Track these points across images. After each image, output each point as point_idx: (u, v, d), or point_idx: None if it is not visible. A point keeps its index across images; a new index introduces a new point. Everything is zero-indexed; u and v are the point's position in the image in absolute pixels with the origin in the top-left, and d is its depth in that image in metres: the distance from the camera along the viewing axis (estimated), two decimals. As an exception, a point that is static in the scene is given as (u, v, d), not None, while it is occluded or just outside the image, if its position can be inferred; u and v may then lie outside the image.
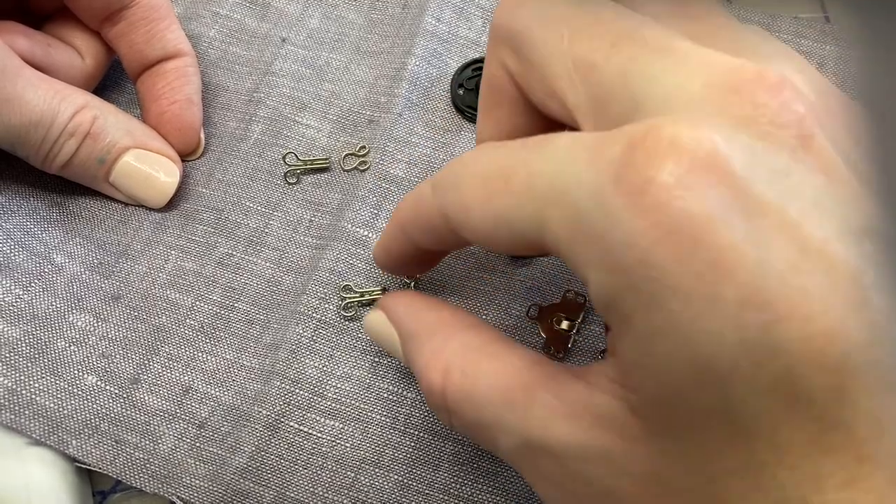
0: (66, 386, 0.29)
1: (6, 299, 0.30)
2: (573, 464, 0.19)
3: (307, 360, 0.30)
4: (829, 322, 0.16)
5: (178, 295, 0.32)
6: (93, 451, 0.28)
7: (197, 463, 0.29)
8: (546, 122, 0.24)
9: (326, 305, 0.31)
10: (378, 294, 0.31)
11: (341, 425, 0.29)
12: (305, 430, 0.29)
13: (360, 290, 0.31)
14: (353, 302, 0.31)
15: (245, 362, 0.31)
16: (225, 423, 0.29)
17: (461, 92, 0.36)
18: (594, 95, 0.20)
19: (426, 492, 0.28)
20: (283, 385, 0.30)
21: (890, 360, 0.16)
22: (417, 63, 0.36)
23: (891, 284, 0.17)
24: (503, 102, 0.25)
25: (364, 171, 0.35)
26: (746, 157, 0.17)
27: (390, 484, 0.28)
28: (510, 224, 0.20)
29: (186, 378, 0.30)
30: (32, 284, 0.31)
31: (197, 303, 0.32)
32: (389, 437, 0.29)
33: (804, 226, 0.17)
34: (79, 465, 0.28)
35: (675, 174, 0.16)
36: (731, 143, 0.17)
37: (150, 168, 0.33)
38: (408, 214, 0.25)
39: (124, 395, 0.30)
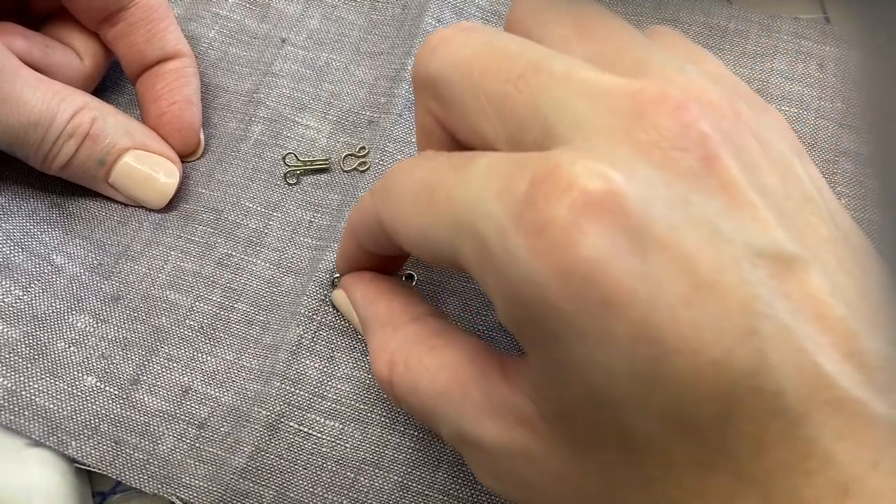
0: (66, 387, 0.29)
1: (6, 300, 0.30)
2: (500, 459, 0.21)
3: (307, 361, 0.30)
4: (717, 353, 0.17)
5: (177, 295, 0.32)
6: (92, 451, 0.28)
7: (196, 463, 0.28)
8: None
9: (326, 307, 0.31)
10: None
11: (341, 426, 0.29)
12: (305, 430, 0.29)
13: None
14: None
15: (245, 363, 0.31)
16: (225, 423, 0.29)
17: (461, 92, 0.36)
18: (509, 128, 0.21)
19: (426, 493, 0.28)
20: (282, 386, 0.30)
21: (770, 386, 0.17)
22: (417, 63, 0.36)
23: (784, 306, 0.18)
24: (436, 145, 0.25)
25: (364, 171, 0.35)
26: (644, 191, 0.17)
27: (390, 485, 0.28)
28: (431, 242, 0.21)
29: (186, 379, 0.30)
30: (32, 285, 0.31)
31: (196, 303, 0.32)
32: (389, 437, 0.29)
33: (698, 257, 0.17)
34: (78, 465, 0.28)
35: (571, 216, 0.17)
36: (630, 177, 0.17)
37: (149, 169, 0.33)
38: (355, 220, 0.27)
39: (124, 396, 0.30)
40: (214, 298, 0.32)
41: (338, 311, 0.31)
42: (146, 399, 0.30)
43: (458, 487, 0.28)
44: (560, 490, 0.20)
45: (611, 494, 0.19)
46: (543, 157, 0.18)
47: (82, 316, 0.31)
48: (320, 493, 0.28)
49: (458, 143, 0.24)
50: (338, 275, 0.31)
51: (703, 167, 0.18)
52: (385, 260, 0.28)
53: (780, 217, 0.19)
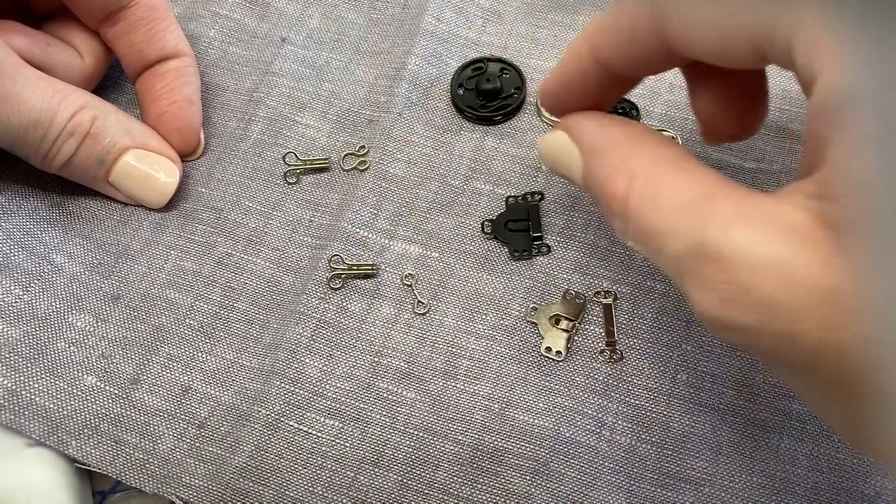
0: (66, 386, 0.29)
1: (6, 299, 0.30)
2: (740, 270, 0.19)
3: (307, 360, 0.30)
4: None
5: (177, 295, 0.32)
6: (92, 451, 0.28)
7: (196, 462, 0.29)
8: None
9: (326, 305, 0.31)
10: (369, 268, 0.31)
11: (341, 425, 0.29)
12: (305, 429, 0.29)
13: (350, 263, 0.32)
14: (341, 273, 0.31)
15: (245, 362, 0.31)
16: (224, 422, 0.29)
17: (461, 92, 0.36)
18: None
19: (425, 491, 0.28)
20: (282, 384, 0.30)
21: None
22: (417, 63, 0.36)
23: None
24: (633, 47, 0.24)
25: (364, 170, 0.34)
26: None
27: (390, 483, 0.28)
28: (738, 24, 0.20)
29: (186, 378, 0.30)
30: (32, 285, 0.31)
31: (196, 303, 0.32)
32: (389, 436, 0.29)
33: None
34: (78, 465, 0.28)
35: None
36: None
37: (149, 168, 0.33)
38: (600, 29, 0.24)
39: (124, 396, 0.30)
40: (214, 297, 0.32)
41: (349, 313, 0.31)
42: (146, 398, 0.30)
43: (458, 486, 0.28)
44: (810, 305, 0.18)
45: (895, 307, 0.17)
46: None
47: (82, 315, 0.31)
48: (320, 492, 0.28)
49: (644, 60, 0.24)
50: (335, 272, 0.31)
51: None
52: (612, 85, 0.26)
53: None
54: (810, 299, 0.18)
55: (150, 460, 0.28)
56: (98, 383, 0.30)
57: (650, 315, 0.31)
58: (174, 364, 0.31)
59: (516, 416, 0.29)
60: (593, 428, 0.29)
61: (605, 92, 0.26)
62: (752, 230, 0.19)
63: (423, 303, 0.32)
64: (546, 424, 0.29)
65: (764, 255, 0.19)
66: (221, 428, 0.29)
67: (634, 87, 0.27)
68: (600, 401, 0.30)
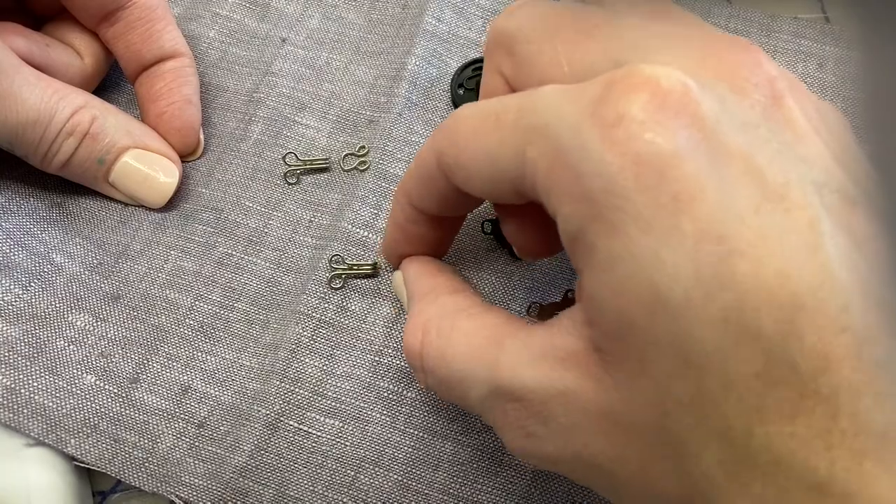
0: (65, 385, 0.29)
1: (5, 299, 0.30)
2: (535, 405, 0.20)
3: (307, 360, 0.30)
4: (782, 262, 0.17)
5: (177, 295, 0.32)
6: (92, 450, 0.28)
7: (196, 462, 0.29)
8: None
9: (326, 305, 0.31)
10: (367, 268, 0.32)
11: (341, 424, 0.29)
12: (305, 428, 0.29)
13: (350, 263, 0.32)
14: (341, 273, 0.31)
15: (245, 362, 0.31)
16: (224, 422, 0.29)
17: (461, 92, 0.36)
18: (580, 76, 0.21)
19: (425, 491, 0.28)
20: (282, 384, 0.30)
21: (836, 302, 0.17)
22: (417, 63, 0.36)
23: (845, 237, 0.17)
24: None
25: (364, 171, 0.35)
26: (718, 105, 0.18)
27: (390, 483, 0.28)
28: (495, 161, 0.21)
29: (186, 377, 0.30)
30: (32, 284, 0.31)
31: (196, 303, 0.32)
32: (389, 436, 0.29)
33: (767, 172, 0.18)
34: (78, 464, 0.28)
35: (648, 111, 0.17)
36: (705, 90, 0.18)
37: (149, 168, 0.33)
38: (409, 176, 0.26)
39: (123, 395, 0.30)
40: (214, 297, 0.32)
41: (349, 313, 0.31)
42: (146, 398, 0.30)
43: (458, 486, 0.28)
44: (597, 428, 0.19)
45: (661, 420, 0.18)
46: (616, 70, 0.19)
47: (82, 314, 0.31)
48: (320, 492, 0.28)
49: None
50: (335, 272, 0.31)
51: (773, 104, 0.19)
52: (436, 227, 0.28)
53: (838, 162, 0.19)
54: (597, 422, 0.19)
55: (150, 459, 0.28)
56: (98, 382, 0.30)
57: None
58: (174, 363, 0.31)
59: (516, 416, 0.29)
60: (593, 428, 0.29)
61: (436, 234, 0.28)
62: (535, 367, 0.20)
63: None
64: (546, 424, 0.29)
65: (549, 387, 0.20)
66: (221, 427, 0.29)
67: (461, 224, 0.29)
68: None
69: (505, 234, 0.26)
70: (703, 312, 0.17)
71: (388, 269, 0.32)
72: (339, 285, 0.32)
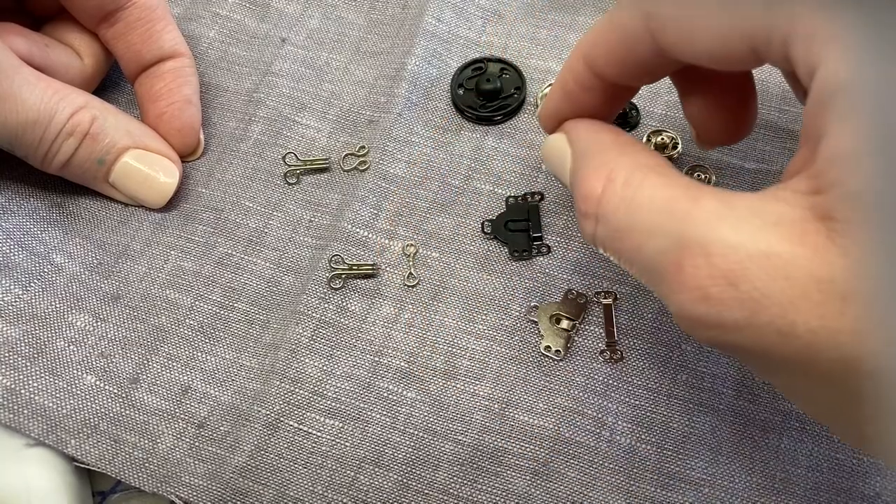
0: (66, 385, 0.29)
1: (6, 299, 0.30)
2: (729, 263, 0.19)
3: (307, 360, 0.30)
4: None
5: (177, 295, 0.32)
6: (91, 450, 0.28)
7: (196, 462, 0.28)
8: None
9: (326, 305, 0.31)
10: (369, 268, 0.31)
11: (341, 424, 0.29)
12: (305, 429, 0.29)
13: (350, 263, 0.32)
14: (341, 273, 0.31)
15: (244, 362, 0.31)
16: (224, 422, 0.29)
17: (461, 92, 0.36)
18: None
19: (425, 491, 0.28)
20: (282, 384, 0.30)
21: None
22: (417, 63, 0.36)
23: None
24: (627, 58, 0.24)
25: (364, 171, 0.34)
26: None
27: (390, 483, 0.28)
28: (746, 35, 0.20)
29: (186, 378, 0.30)
30: (32, 284, 0.31)
31: (196, 303, 0.32)
32: (389, 436, 0.29)
33: None
34: (78, 464, 0.28)
35: None
36: None
37: (149, 168, 0.33)
38: (594, 42, 0.25)
39: (123, 395, 0.30)
40: (214, 298, 0.32)
41: (349, 313, 0.31)
42: (146, 398, 0.30)
43: (458, 486, 0.28)
44: (816, 297, 0.18)
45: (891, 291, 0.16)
46: None
47: (82, 315, 0.31)
48: (320, 492, 0.28)
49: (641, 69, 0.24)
50: (335, 272, 0.31)
51: None
52: (608, 96, 0.26)
53: None
54: (803, 290, 0.18)
55: (150, 459, 0.28)
56: (98, 382, 0.30)
57: (650, 315, 0.31)
58: (174, 364, 0.31)
59: (516, 416, 0.29)
60: (593, 428, 0.29)
61: (604, 105, 0.26)
62: (739, 224, 0.19)
63: (414, 274, 0.32)
64: (546, 425, 0.29)
65: (752, 247, 0.18)
66: (221, 427, 0.29)
67: (632, 97, 0.27)
68: (600, 401, 0.30)
69: (687, 115, 0.25)
70: None
71: (387, 269, 0.32)
72: (339, 285, 0.32)
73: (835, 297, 0.17)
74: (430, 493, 0.28)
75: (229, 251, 0.33)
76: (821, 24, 0.18)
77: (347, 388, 0.30)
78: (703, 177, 0.33)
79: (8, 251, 0.31)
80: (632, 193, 0.22)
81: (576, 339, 0.31)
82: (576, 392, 0.30)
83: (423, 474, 0.28)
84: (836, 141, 0.18)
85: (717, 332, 0.20)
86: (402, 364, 0.30)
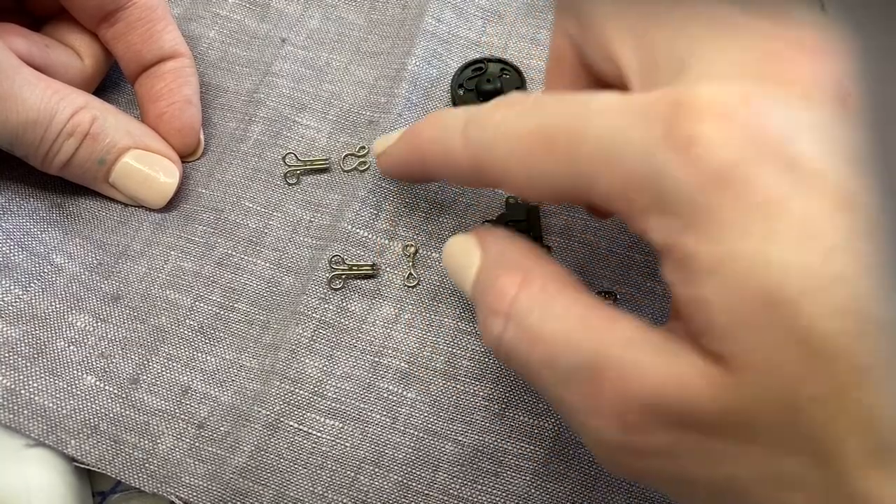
0: (66, 386, 0.29)
1: (5, 299, 0.30)
2: (642, 389, 0.19)
3: (307, 360, 0.30)
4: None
5: (177, 295, 0.32)
6: (91, 450, 0.28)
7: (196, 462, 0.28)
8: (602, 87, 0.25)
9: (326, 305, 0.31)
10: (367, 269, 0.31)
11: (341, 425, 0.29)
12: (305, 429, 0.29)
13: (350, 263, 0.32)
14: (341, 274, 0.32)
15: (244, 362, 0.31)
16: (224, 422, 0.29)
17: (461, 92, 0.36)
18: (644, 59, 0.22)
19: (426, 492, 0.28)
20: (282, 385, 0.30)
21: None
22: (417, 63, 0.36)
23: None
24: (565, 71, 0.27)
25: (364, 171, 0.34)
26: (783, 113, 0.18)
27: (390, 484, 0.28)
28: (553, 183, 0.21)
29: (186, 378, 0.30)
30: (32, 284, 0.31)
31: (196, 303, 0.32)
32: (389, 436, 0.29)
33: (836, 178, 0.18)
34: (78, 465, 0.28)
35: (719, 129, 0.18)
36: (769, 101, 0.18)
37: (149, 169, 0.33)
38: (433, 152, 0.26)
39: (123, 395, 0.30)
40: (214, 298, 0.32)
41: (349, 314, 0.31)
42: (146, 398, 0.30)
43: (458, 487, 0.28)
44: (726, 429, 0.18)
45: (794, 416, 0.17)
46: (677, 87, 0.19)
47: (82, 315, 0.31)
48: (320, 492, 0.28)
49: (587, 72, 0.25)
50: (335, 273, 0.31)
51: (841, 105, 0.19)
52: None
53: None
54: (710, 419, 0.18)
55: (150, 460, 0.28)
56: (97, 383, 0.30)
57: (650, 315, 0.31)
58: (174, 364, 0.31)
59: (516, 416, 0.29)
60: (593, 428, 0.29)
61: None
62: (654, 352, 0.19)
63: (414, 275, 0.32)
64: (546, 425, 0.29)
65: (665, 373, 0.19)
66: (221, 428, 0.29)
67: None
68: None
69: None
70: (822, 306, 0.17)
71: (387, 269, 0.32)
72: (339, 286, 0.32)
73: (742, 427, 0.18)
74: (430, 493, 0.28)
75: (229, 251, 0.33)
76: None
77: (347, 388, 0.30)
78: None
79: (8, 251, 0.31)
80: (547, 299, 0.22)
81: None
82: (576, 392, 0.30)
83: (423, 475, 0.28)
84: (688, 291, 0.19)
85: (634, 459, 0.20)
86: (403, 364, 0.30)
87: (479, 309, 0.24)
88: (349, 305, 0.31)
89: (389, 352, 0.31)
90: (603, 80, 0.25)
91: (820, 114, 0.19)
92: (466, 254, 0.26)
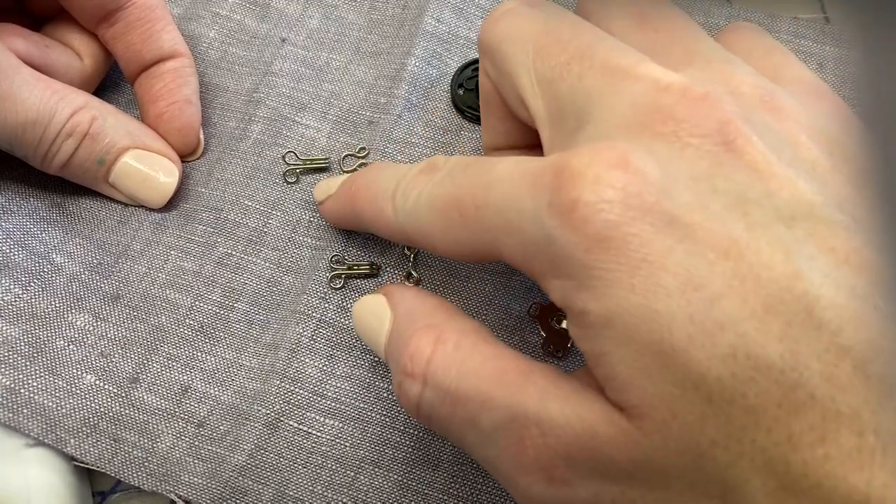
0: (65, 385, 0.29)
1: (5, 299, 0.30)
2: (558, 442, 0.20)
3: (307, 360, 0.30)
4: (765, 298, 0.18)
5: (177, 295, 0.32)
6: (91, 449, 0.28)
7: (196, 461, 0.29)
8: (526, 126, 0.26)
9: (326, 305, 0.31)
10: (367, 268, 0.32)
11: (341, 424, 0.29)
12: (305, 429, 0.29)
13: (350, 263, 0.32)
14: (341, 274, 0.32)
15: (244, 362, 0.31)
16: (224, 422, 0.29)
17: (461, 92, 0.36)
18: (551, 108, 0.23)
19: (425, 492, 0.28)
20: (282, 384, 0.30)
21: (830, 326, 0.17)
22: (417, 63, 0.36)
23: (826, 258, 0.18)
24: (493, 110, 0.28)
25: (364, 171, 0.34)
26: (660, 169, 0.19)
27: (390, 483, 0.28)
28: (471, 249, 0.23)
29: (185, 377, 0.30)
30: (32, 284, 0.31)
31: (196, 303, 0.32)
32: (389, 436, 0.29)
33: (713, 227, 0.18)
34: (77, 464, 0.28)
35: (597, 192, 0.19)
36: (647, 158, 0.19)
37: (149, 168, 0.33)
38: (366, 212, 0.27)
39: (123, 395, 0.30)
40: (214, 297, 0.32)
41: (349, 314, 0.31)
42: (145, 397, 0.30)
43: (458, 486, 0.28)
44: (640, 475, 0.19)
45: (699, 461, 0.18)
46: (563, 154, 0.20)
47: (82, 314, 0.31)
48: (320, 492, 0.28)
49: (510, 113, 0.27)
50: (335, 272, 0.31)
51: (725, 150, 0.20)
52: None
53: (815, 184, 0.20)
54: (624, 467, 0.19)
55: (150, 459, 0.28)
56: (97, 382, 0.30)
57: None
58: (174, 363, 0.31)
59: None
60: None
61: None
62: (565, 403, 0.20)
63: (413, 274, 0.32)
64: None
65: (580, 426, 0.19)
66: (221, 427, 0.29)
67: None
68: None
69: None
70: (711, 352, 0.17)
71: (387, 269, 0.32)
72: (339, 285, 0.32)
73: (654, 474, 0.19)
74: (431, 493, 0.28)
75: (229, 251, 0.33)
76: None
77: (347, 388, 0.30)
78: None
79: (8, 251, 0.31)
80: (463, 357, 0.22)
81: (575, 339, 0.31)
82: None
83: (423, 474, 0.28)
84: (587, 346, 0.20)
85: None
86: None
87: (393, 372, 0.23)
88: (349, 305, 0.31)
89: (389, 351, 0.31)
90: (522, 120, 0.26)
91: (698, 164, 0.19)
92: (376, 315, 0.25)
